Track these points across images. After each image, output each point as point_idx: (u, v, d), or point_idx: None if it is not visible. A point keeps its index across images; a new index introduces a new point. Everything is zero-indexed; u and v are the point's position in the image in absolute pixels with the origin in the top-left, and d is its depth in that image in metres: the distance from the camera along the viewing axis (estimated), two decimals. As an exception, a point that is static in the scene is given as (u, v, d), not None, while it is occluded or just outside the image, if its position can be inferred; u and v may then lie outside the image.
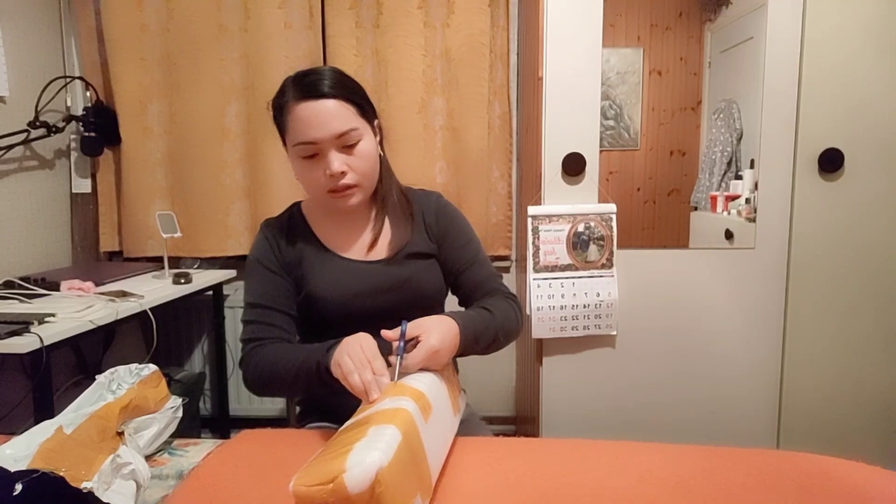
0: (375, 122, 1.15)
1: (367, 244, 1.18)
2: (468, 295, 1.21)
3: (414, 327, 0.97)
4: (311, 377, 0.99)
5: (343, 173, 1.06)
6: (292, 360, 1.02)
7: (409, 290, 1.15)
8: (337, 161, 1.05)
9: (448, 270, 1.22)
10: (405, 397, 0.83)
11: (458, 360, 1.17)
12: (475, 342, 1.06)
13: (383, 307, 1.13)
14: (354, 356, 0.90)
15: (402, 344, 0.95)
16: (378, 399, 0.86)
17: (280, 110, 1.08)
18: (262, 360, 1.07)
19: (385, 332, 0.97)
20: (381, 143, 1.17)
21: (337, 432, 0.81)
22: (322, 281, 1.13)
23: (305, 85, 1.05)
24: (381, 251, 1.17)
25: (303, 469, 0.69)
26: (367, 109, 1.11)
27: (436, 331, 0.97)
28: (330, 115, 1.04)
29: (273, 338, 1.10)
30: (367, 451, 0.68)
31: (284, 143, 1.13)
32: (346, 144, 1.06)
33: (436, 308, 1.22)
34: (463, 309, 1.20)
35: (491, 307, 1.13)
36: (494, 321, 1.11)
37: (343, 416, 0.89)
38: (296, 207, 1.23)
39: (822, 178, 1.76)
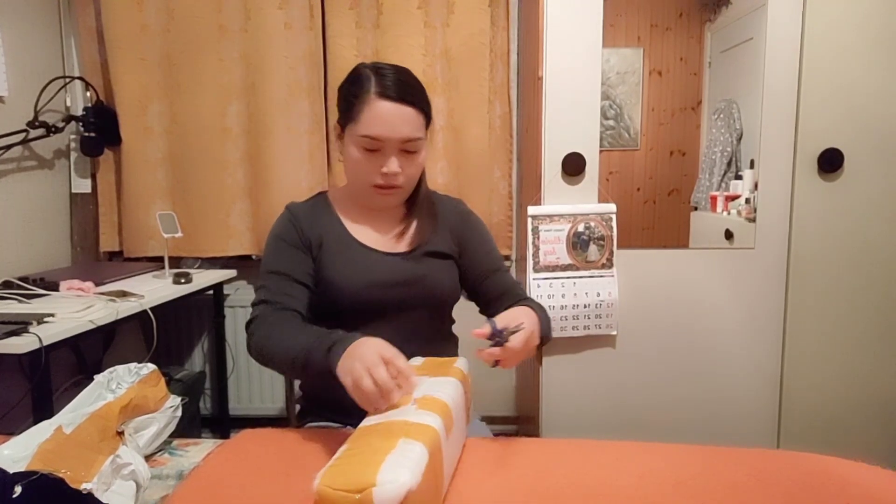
0: (428, 131, 1.19)
1: (390, 237, 1.20)
2: (492, 301, 1.24)
3: (509, 318, 0.99)
4: (310, 372, 0.97)
5: (397, 174, 1.12)
6: (294, 346, 1.00)
7: (422, 287, 1.17)
8: (394, 163, 1.11)
9: (470, 275, 1.25)
10: (434, 413, 0.82)
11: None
12: (542, 341, 1.10)
13: (395, 300, 1.15)
14: (366, 360, 0.87)
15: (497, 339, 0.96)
16: (404, 403, 0.85)
17: (356, 97, 1.11)
18: (267, 333, 1.06)
19: (476, 332, 0.98)
20: None
21: (361, 430, 0.80)
22: (340, 266, 1.15)
23: (391, 85, 1.09)
24: (402, 245, 1.20)
25: (329, 468, 0.69)
26: (429, 120, 1.16)
27: (529, 320, 1.00)
28: (405, 120, 1.09)
29: (284, 305, 1.10)
30: (398, 469, 0.67)
31: (340, 125, 1.16)
32: (407, 150, 1.12)
33: (446, 309, 1.25)
34: (482, 315, 1.26)
35: (538, 310, 1.16)
36: (548, 323, 1.16)
37: (346, 413, 0.88)
38: (321, 195, 1.26)
39: (822, 178, 1.76)
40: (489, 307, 1.25)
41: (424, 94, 1.14)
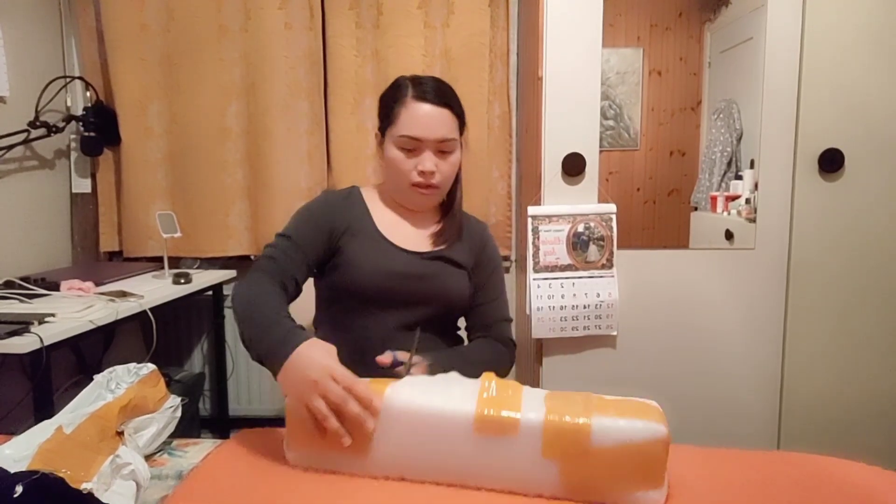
0: (463, 138, 1.25)
1: (413, 236, 1.25)
2: (477, 325, 1.31)
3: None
4: (259, 361, 0.97)
5: (432, 173, 1.17)
6: (257, 323, 0.99)
7: (434, 284, 1.22)
8: (430, 160, 1.17)
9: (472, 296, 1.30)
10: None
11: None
12: None
13: (407, 292, 1.20)
14: (331, 394, 0.83)
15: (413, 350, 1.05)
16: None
17: (395, 102, 1.18)
18: (248, 291, 1.07)
19: (380, 359, 1.05)
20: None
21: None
22: (361, 252, 1.19)
23: (427, 89, 1.18)
24: (422, 246, 1.24)
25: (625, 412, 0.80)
26: (464, 126, 1.24)
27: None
28: (440, 121, 1.17)
29: (285, 269, 1.13)
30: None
31: (380, 132, 1.23)
32: (442, 150, 1.18)
33: (453, 313, 1.30)
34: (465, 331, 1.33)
35: (484, 358, 1.23)
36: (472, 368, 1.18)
37: None
38: (355, 189, 1.30)
39: (823, 178, 1.76)
40: (473, 329, 1.32)
41: (458, 99, 1.22)
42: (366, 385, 0.84)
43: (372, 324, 1.19)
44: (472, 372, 1.17)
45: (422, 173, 1.17)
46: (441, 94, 1.18)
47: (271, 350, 0.92)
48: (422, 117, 1.16)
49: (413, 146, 1.17)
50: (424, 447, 0.82)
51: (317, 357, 0.87)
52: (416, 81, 1.19)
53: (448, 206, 1.29)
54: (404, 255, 1.22)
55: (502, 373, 1.26)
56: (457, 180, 1.28)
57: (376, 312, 1.19)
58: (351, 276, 1.18)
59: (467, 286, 1.28)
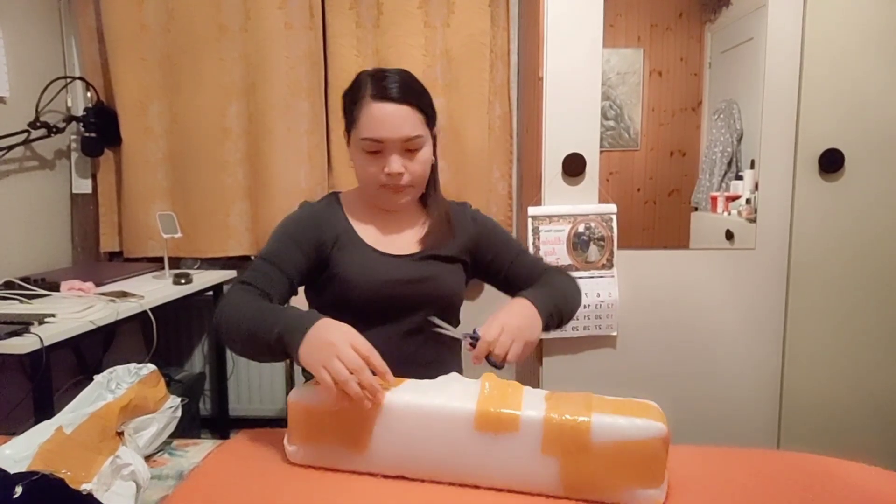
0: (434, 130, 1.19)
1: (397, 240, 1.21)
2: (524, 282, 1.25)
3: (490, 325, 1.03)
4: (272, 350, 0.95)
5: (400, 174, 1.12)
6: (256, 318, 0.97)
7: (431, 286, 1.19)
8: (397, 162, 1.11)
9: (496, 267, 1.27)
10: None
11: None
12: (553, 323, 1.16)
13: (406, 298, 1.17)
14: (348, 360, 0.84)
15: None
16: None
17: (354, 103, 1.14)
18: (234, 302, 1.04)
19: (475, 361, 1.04)
20: (434, 149, 1.21)
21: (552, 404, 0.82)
22: (353, 264, 1.16)
23: (385, 86, 1.11)
24: (408, 248, 1.21)
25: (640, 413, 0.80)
26: (432, 118, 1.17)
27: (506, 318, 1.05)
28: (401, 119, 1.10)
29: (264, 291, 1.09)
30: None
31: (347, 132, 1.19)
32: (408, 148, 1.12)
33: (452, 311, 1.27)
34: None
35: (558, 283, 1.21)
36: (567, 295, 1.21)
37: None
38: (333, 196, 1.27)
39: (823, 178, 1.76)
40: (523, 288, 1.26)
41: (423, 93, 1.15)
42: (380, 358, 0.88)
43: (374, 335, 1.15)
44: (567, 302, 1.20)
45: (389, 175, 1.12)
46: (401, 90, 1.11)
47: (290, 327, 0.91)
48: (382, 118, 1.09)
49: (377, 148, 1.11)
50: (425, 443, 0.82)
51: (338, 326, 0.91)
52: (376, 77, 1.13)
53: (427, 204, 1.24)
54: (394, 261, 1.18)
55: (578, 296, 1.25)
56: (432, 175, 1.22)
57: (377, 323, 1.15)
58: (345, 291, 1.15)
59: (463, 280, 1.25)
